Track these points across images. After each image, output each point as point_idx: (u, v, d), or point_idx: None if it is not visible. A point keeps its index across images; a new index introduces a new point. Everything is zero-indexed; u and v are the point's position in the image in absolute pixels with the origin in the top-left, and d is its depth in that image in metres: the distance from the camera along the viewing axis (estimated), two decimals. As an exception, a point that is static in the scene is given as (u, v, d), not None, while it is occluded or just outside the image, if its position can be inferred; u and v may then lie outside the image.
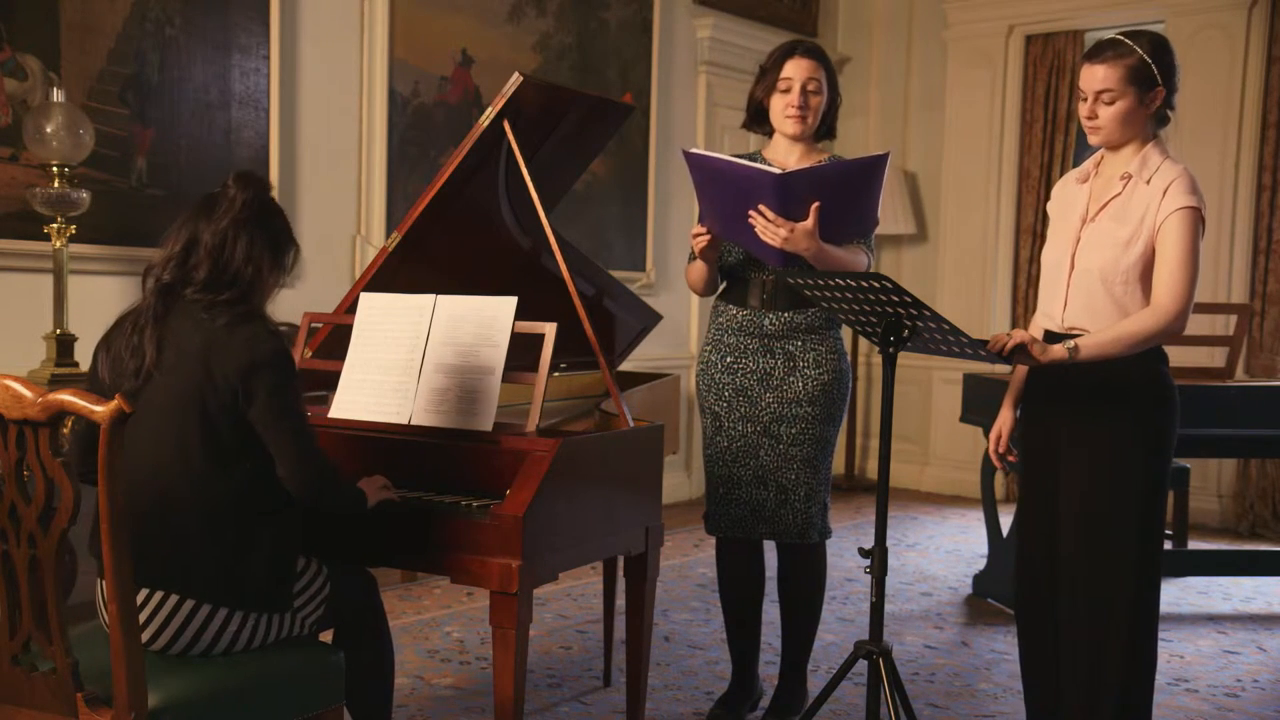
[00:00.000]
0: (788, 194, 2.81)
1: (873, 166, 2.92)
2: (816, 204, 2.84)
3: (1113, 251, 2.58)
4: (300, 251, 2.38)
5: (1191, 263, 2.51)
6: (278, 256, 2.31)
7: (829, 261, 2.92)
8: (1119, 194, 2.62)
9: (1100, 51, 2.60)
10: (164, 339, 2.19)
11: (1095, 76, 2.59)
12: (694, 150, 2.94)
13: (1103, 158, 2.72)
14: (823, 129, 3.20)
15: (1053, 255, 2.74)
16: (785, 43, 3.21)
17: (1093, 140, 2.67)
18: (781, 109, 3.12)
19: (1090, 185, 2.70)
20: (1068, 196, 2.77)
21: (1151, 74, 2.56)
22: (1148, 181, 2.58)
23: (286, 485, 2.21)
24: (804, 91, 3.08)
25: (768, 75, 3.14)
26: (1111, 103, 2.58)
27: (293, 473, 2.21)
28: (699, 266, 3.15)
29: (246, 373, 2.14)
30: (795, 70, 3.09)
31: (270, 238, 2.28)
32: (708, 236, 3.03)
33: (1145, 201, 2.57)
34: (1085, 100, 2.62)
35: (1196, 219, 2.53)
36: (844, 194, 2.91)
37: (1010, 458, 2.89)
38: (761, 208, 2.84)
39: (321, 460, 2.26)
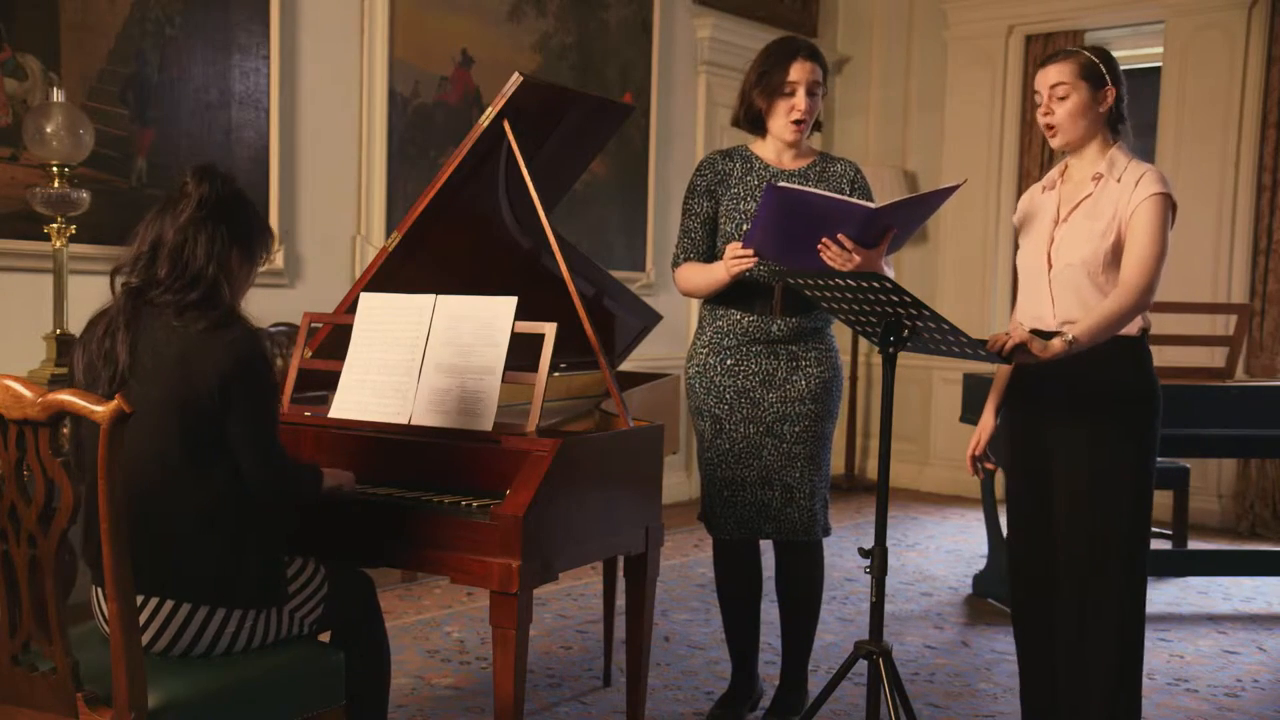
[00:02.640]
0: (873, 225, 2.80)
1: (945, 196, 2.90)
2: (894, 230, 2.84)
3: (1091, 244, 2.65)
4: (274, 239, 2.33)
5: (1159, 242, 2.59)
6: (246, 250, 2.27)
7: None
8: (1090, 194, 2.70)
9: (1051, 57, 2.75)
10: (137, 343, 2.17)
11: (1048, 76, 2.71)
12: (783, 184, 2.84)
13: (1067, 166, 2.79)
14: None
15: (1028, 260, 2.79)
16: (783, 41, 3.15)
17: (1054, 143, 2.75)
18: (785, 113, 3.08)
19: (1058, 191, 2.78)
20: (1035, 205, 2.83)
21: (1100, 72, 2.68)
22: (1118, 180, 2.67)
23: (251, 484, 2.21)
24: (808, 95, 3.06)
25: (769, 78, 3.07)
26: (1065, 97, 2.68)
27: (259, 476, 2.21)
28: (716, 278, 3.06)
29: (227, 378, 2.13)
30: (800, 74, 3.05)
31: (235, 232, 2.24)
32: (754, 260, 2.96)
33: (1116, 196, 2.65)
34: (1041, 104, 2.73)
35: (1166, 205, 2.62)
36: (909, 218, 2.92)
37: (988, 464, 2.91)
38: (841, 237, 2.80)
39: (290, 464, 2.30)
